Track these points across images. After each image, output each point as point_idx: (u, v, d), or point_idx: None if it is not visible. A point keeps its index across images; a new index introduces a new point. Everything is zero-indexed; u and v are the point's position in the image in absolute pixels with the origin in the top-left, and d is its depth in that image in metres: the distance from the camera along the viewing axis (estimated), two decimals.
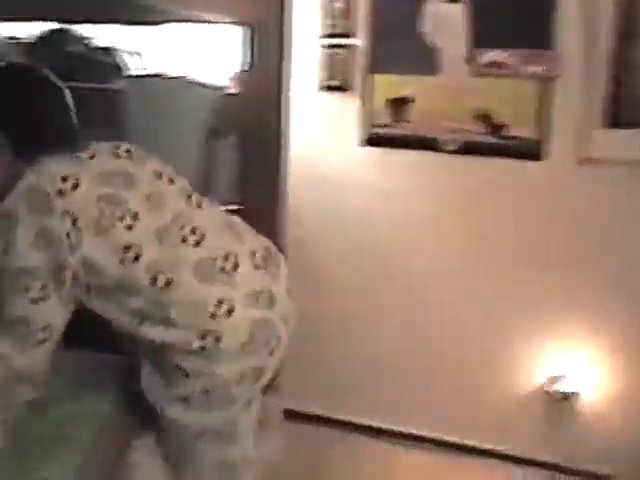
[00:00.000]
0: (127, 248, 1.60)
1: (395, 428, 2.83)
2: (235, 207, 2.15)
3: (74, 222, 1.58)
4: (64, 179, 1.61)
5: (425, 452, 2.75)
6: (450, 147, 2.57)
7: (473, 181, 2.58)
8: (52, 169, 1.63)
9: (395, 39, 2.58)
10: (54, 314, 1.61)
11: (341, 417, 2.88)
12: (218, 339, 1.60)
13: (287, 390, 2.46)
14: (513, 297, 2.60)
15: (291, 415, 2.51)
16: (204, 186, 2.18)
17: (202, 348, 1.60)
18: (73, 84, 2.36)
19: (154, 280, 1.61)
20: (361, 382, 2.85)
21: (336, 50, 2.67)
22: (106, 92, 2.31)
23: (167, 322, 1.61)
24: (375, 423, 2.85)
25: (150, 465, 1.76)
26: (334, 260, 2.80)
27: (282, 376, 1.96)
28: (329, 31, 2.66)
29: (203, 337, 1.59)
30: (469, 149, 2.55)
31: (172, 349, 1.62)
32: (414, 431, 2.81)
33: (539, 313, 2.57)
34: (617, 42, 2.34)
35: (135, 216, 1.62)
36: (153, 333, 1.63)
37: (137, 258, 1.60)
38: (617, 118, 2.36)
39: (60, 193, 1.59)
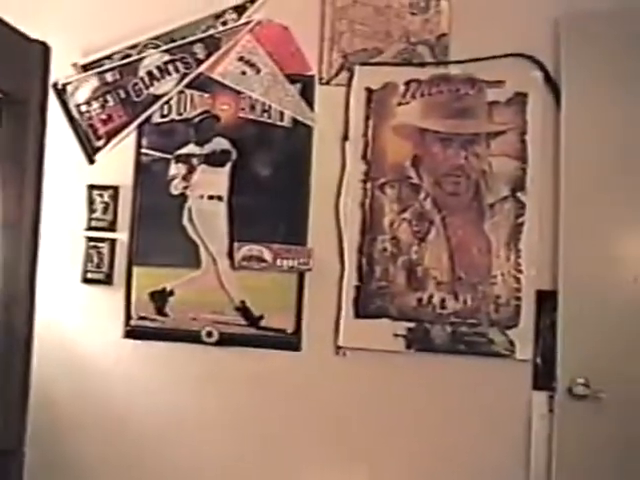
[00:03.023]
0: None
1: None
2: None
3: None
4: None
5: None
6: (211, 339, 2.58)
7: (233, 372, 2.59)
8: None
9: (157, 233, 2.64)
10: None
11: None
12: None
13: None
14: None
15: None
16: None
17: None
18: None
19: None
20: None
21: (99, 243, 2.67)
22: None
23: None
24: None
25: None
26: (95, 458, 2.64)
27: None
28: (93, 224, 2.68)
29: None
30: (230, 340, 2.58)
31: None
32: None
33: None
34: (361, 240, 2.53)
35: None
36: None
37: None
38: (363, 309, 2.50)
39: None
